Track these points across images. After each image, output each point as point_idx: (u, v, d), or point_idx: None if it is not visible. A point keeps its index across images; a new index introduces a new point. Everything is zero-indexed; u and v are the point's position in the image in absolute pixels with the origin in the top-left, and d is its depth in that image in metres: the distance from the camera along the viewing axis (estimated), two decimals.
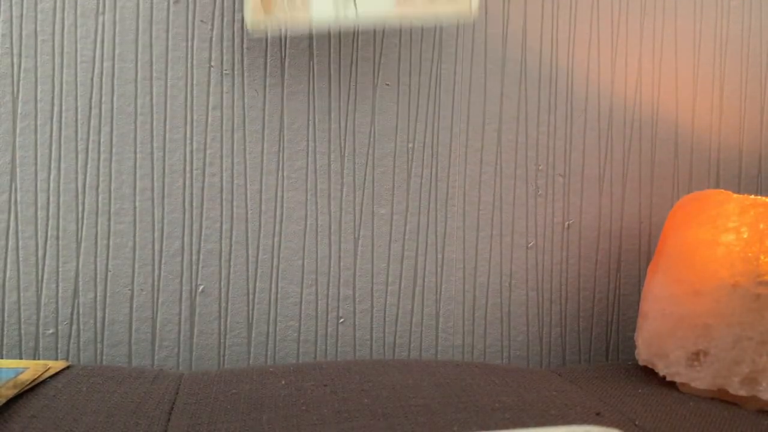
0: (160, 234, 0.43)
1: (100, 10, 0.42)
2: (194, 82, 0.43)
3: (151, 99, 0.43)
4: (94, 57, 0.42)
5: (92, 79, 0.42)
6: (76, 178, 0.42)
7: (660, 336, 0.37)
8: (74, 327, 0.42)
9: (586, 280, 0.47)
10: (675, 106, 0.47)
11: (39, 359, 0.42)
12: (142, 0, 0.42)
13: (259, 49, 0.43)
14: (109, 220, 0.42)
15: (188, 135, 0.43)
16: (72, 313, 0.42)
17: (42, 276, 0.42)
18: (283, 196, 0.43)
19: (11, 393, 0.31)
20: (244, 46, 0.43)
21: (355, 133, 0.44)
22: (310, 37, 0.44)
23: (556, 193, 0.46)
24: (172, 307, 0.43)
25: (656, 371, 0.37)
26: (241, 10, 0.43)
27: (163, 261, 0.43)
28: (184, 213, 0.43)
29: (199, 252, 0.43)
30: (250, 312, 0.43)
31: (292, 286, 0.43)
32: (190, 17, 0.43)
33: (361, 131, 0.44)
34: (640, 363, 0.39)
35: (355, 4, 0.35)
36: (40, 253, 0.42)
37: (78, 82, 0.42)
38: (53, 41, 0.42)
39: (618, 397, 0.35)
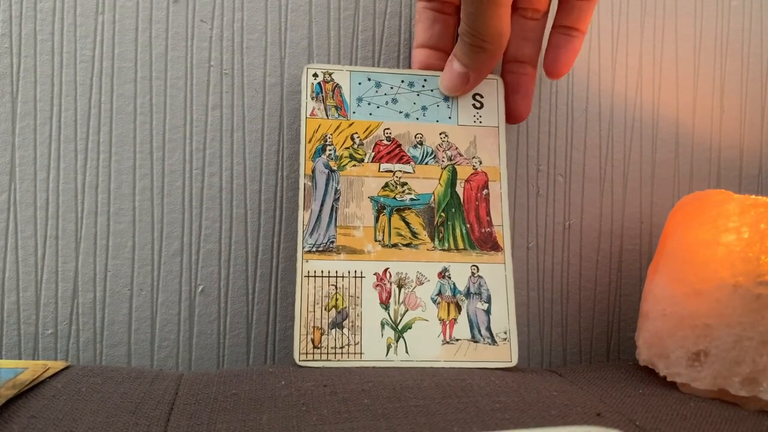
0: (160, 234, 0.43)
1: (100, 9, 0.42)
2: (194, 81, 0.43)
3: (151, 99, 0.43)
4: (93, 57, 0.42)
5: (92, 79, 0.42)
6: (76, 178, 0.42)
7: (660, 336, 0.37)
8: (73, 327, 0.42)
9: (587, 280, 0.47)
10: (675, 105, 0.47)
11: (38, 359, 0.42)
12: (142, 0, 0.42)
13: (259, 49, 0.43)
14: (108, 220, 0.42)
15: (188, 135, 0.43)
16: (71, 313, 0.42)
17: (41, 276, 0.42)
18: (283, 196, 0.43)
19: (10, 393, 0.31)
20: (244, 46, 0.43)
21: None
22: (309, 36, 0.44)
23: (557, 193, 0.46)
24: (171, 307, 0.43)
25: (657, 371, 0.37)
26: (241, 8, 0.43)
27: (162, 261, 0.43)
28: (184, 213, 0.43)
29: (198, 252, 0.43)
30: (250, 312, 0.43)
31: (291, 286, 0.43)
32: (189, 17, 0.43)
33: None
34: (641, 363, 0.39)
35: (406, 349, 0.38)
36: (40, 253, 0.42)
37: (77, 82, 0.42)
38: (53, 41, 0.42)
39: (618, 398, 0.35)
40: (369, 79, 0.41)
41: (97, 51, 0.42)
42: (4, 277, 0.42)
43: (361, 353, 0.37)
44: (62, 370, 0.36)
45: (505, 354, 0.38)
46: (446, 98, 0.41)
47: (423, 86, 0.41)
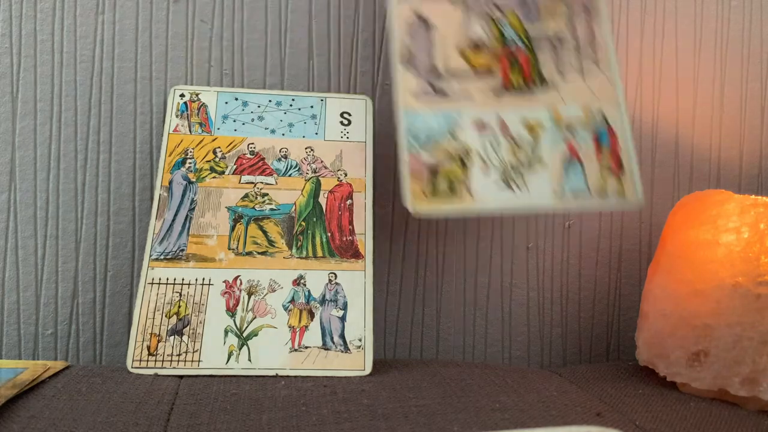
0: None
1: (100, 9, 0.42)
2: (194, 81, 0.43)
3: (151, 99, 0.43)
4: (93, 56, 0.42)
5: (92, 79, 0.42)
6: (76, 178, 0.42)
7: (660, 336, 0.37)
8: (73, 327, 0.42)
9: (587, 280, 0.47)
10: (675, 106, 0.47)
11: (38, 359, 0.42)
12: None
13: (259, 49, 0.43)
14: (108, 219, 0.42)
15: None
16: (71, 313, 0.42)
17: (41, 276, 0.42)
18: None
19: (11, 393, 0.31)
20: (244, 46, 0.43)
21: None
22: (309, 36, 0.44)
23: None
24: None
25: (657, 371, 0.37)
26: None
27: None
28: None
29: None
30: None
31: None
32: (189, 17, 0.43)
33: None
34: (641, 363, 0.39)
35: (249, 356, 0.37)
36: (40, 253, 0.42)
37: (77, 82, 0.42)
38: (53, 41, 0.42)
39: (618, 398, 0.35)
40: (236, 99, 0.42)
41: (97, 51, 0.42)
42: (4, 277, 0.42)
43: (199, 361, 0.36)
44: (62, 370, 0.36)
45: (358, 362, 0.37)
46: (314, 116, 0.42)
47: (291, 105, 0.42)
